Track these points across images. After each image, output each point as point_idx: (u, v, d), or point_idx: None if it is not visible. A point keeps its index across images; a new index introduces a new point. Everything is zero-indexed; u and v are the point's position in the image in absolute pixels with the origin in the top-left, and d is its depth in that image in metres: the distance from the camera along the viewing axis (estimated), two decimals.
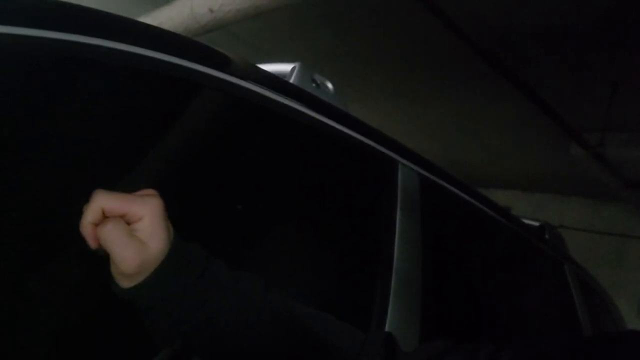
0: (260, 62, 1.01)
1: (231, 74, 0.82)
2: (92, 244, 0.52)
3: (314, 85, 1.10)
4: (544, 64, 3.50)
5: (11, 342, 0.58)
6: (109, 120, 0.69)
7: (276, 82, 0.92)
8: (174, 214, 0.71)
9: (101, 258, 0.53)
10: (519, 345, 0.58)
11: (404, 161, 1.14)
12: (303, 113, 0.93)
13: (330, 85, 1.16)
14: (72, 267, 0.64)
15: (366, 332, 0.65)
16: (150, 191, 0.55)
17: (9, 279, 0.58)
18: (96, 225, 0.52)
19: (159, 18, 3.00)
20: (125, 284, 0.53)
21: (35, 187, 0.62)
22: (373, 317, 0.89)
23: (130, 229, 0.52)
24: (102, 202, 0.51)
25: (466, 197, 1.36)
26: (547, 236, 2.08)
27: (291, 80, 1.04)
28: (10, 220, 0.58)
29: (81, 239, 0.53)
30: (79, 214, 0.58)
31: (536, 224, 2.16)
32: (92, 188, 0.66)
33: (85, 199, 0.59)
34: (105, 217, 0.52)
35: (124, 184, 0.70)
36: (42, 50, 0.59)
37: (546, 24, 3.05)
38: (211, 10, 2.60)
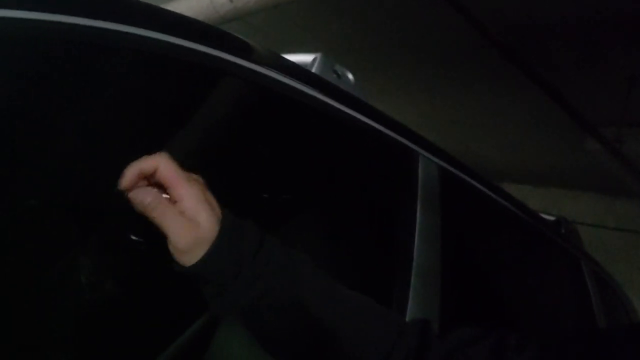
0: (280, 53, 1.01)
1: (255, 62, 0.82)
2: (133, 196, 0.54)
3: (335, 75, 1.10)
4: (561, 58, 3.46)
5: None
6: (132, 106, 0.69)
7: (299, 71, 0.92)
8: None
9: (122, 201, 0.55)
10: (545, 336, 0.58)
11: (425, 153, 1.13)
12: (326, 103, 0.93)
13: (351, 77, 1.16)
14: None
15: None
16: (196, 175, 0.58)
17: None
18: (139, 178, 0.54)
19: (179, 8, 3.01)
20: (184, 261, 0.55)
21: (55, 174, 0.62)
22: (393, 307, 0.90)
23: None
24: (161, 163, 0.54)
25: (485, 189, 1.35)
26: (563, 231, 2.07)
27: (313, 71, 1.04)
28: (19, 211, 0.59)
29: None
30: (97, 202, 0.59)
31: (552, 218, 2.15)
32: (114, 174, 0.67)
33: (110, 183, 0.60)
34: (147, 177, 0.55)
35: None
36: (67, 37, 0.59)
37: (564, 18, 3.01)
38: (231, 0, 2.60)
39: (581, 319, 1.81)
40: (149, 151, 0.71)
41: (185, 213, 0.54)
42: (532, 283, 1.56)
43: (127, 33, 0.64)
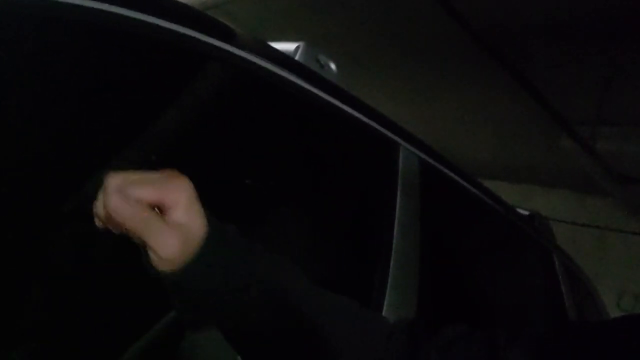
0: None
1: (238, 47, 0.82)
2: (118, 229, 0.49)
3: (318, 65, 1.10)
4: (540, 55, 3.51)
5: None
6: (114, 87, 0.68)
7: (282, 58, 0.91)
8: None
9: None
10: (535, 333, 0.57)
11: (405, 144, 1.14)
12: (309, 91, 0.93)
13: (333, 66, 1.16)
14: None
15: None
16: (175, 172, 0.51)
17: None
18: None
19: None
20: (165, 268, 0.49)
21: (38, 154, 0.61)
22: (372, 295, 0.90)
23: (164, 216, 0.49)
24: (138, 193, 0.47)
25: (463, 182, 1.37)
26: (536, 225, 2.11)
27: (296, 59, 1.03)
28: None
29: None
30: (83, 183, 0.58)
31: (526, 213, 2.19)
32: (96, 157, 0.66)
33: (92, 167, 0.59)
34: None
35: (129, 155, 0.70)
36: (42, 12, 0.58)
37: (544, 16, 3.05)
38: None
39: (552, 309, 1.86)
40: (130, 134, 0.70)
41: (175, 220, 0.49)
42: (506, 273, 1.60)
43: (108, 12, 0.63)
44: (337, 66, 1.15)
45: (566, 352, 0.53)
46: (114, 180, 0.47)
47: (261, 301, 0.53)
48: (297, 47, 1.08)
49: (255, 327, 0.54)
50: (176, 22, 0.71)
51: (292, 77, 0.90)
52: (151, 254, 0.48)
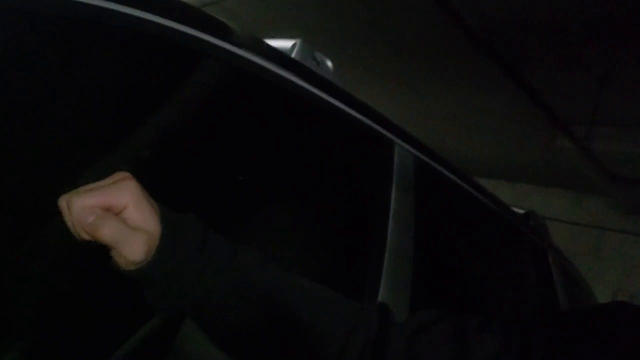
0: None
1: (234, 45, 0.82)
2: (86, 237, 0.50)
3: (314, 62, 1.10)
4: (536, 55, 3.52)
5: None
6: (109, 84, 0.68)
7: (278, 55, 0.92)
8: (168, 186, 0.71)
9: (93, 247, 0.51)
10: (508, 317, 0.58)
11: (400, 142, 1.15)
12: (304, 88, 0.94)
13: (330, 64, 1.16)
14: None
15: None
16: (123, 174, 0.52)
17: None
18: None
19: None
20: (129, 267, 0.51)
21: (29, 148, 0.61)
22: (366, 290, 0.91)
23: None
24: (84, 203, 0.48)
25: (457, 180, 1.38)
26: (532, 224, 2.12)
27: (292, 57, 1.04)
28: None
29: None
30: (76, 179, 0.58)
31: (522, 211, 2.19)
32: (89, 154, 0.66)
33: (85, 164, 0.58)
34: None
35: (123, 152, 0.70)
36: (34, 9, 0.57)
37: (541, 16, 3.06)
38: None
39: (546, 307, 1.87)
40: (124, 131, 0.70)
41: (129, 221, 0.50)
42: (500, 271, 1.60)
43: (102, 8, 0.63)
44: (334, 64, 1.16)
45: (536, 338, 0.53)
46: (65, 198, 0.49)
47: (217, 292, 0.53)
48: (294, 45, 1.09)
49: (220, 314, 0.54)
50: (172, 19, 0.71)
51: (288, 75, 0.90)
52: (116, 257, 0.50)
